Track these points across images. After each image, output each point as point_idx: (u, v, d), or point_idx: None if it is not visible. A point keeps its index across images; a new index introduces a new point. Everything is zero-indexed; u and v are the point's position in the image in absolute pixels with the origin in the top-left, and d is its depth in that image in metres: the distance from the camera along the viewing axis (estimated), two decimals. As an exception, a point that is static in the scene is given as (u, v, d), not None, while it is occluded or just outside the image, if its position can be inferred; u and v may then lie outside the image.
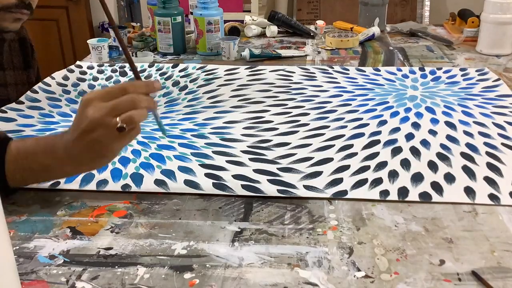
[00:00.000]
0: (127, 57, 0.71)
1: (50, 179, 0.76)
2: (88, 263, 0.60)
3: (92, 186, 0.77)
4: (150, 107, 0.67)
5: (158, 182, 0.77)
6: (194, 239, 0.64)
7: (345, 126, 0.96)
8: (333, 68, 1.30)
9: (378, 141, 0.89)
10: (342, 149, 0.87)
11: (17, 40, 1.12)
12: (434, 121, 0.97)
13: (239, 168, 0.81)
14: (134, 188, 0.76)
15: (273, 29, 1.65)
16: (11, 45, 1.12)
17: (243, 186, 0.76)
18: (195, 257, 0.61)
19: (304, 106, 1.06)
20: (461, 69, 1.27)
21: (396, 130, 0.94)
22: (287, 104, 1.07)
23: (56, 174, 0.73)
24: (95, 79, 1.24)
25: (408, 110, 1.03)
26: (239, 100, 1.10)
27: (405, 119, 0.98)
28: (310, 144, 0.89)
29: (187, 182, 0.77)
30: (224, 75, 1.26)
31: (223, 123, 0.99)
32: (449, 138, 0.90)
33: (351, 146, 0.88)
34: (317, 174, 0.79)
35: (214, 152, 0.87)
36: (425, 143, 0.88)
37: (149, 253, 0.62)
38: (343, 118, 0.99)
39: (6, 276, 0.48)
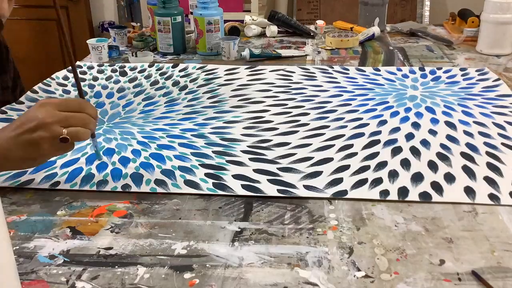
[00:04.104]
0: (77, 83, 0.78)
1: None
2: (88, 263, 0.60)
3: (92, 186, 0.77)
4: (93, 131, 0.74)
5: (158, 182, 0.77)
6: (194, 239, 0.64)
7: (345, 126, 0.96)
8: (333, 68, 1.30)
9: (378, 141, 0.89)
10: (342, 149, 0.87)
11: None
12: (434, 121, 0.97)
13: (239, 168, 0.81)
14: (134, 188, 0.76)
15: (273, 29, 1.65)
16: None
17: (243, 186, 0.76)
18: (195, 257, 0.61)
19: (304, 106, 1.06)
20: (461, 69, 1.27)
21: (396, 130, 0.94)
22: (287, 104, 1.07)
23: None
24: (95, 79, 1.24)
25: (408, 110, 1.03)
26: (239, 100, 1.10)
27: (405, 119, 0.98)
28: (310, 144, 0.89)
29: (187, 182, 0.77)
30: (224, 75, 1.26)
31: (223, 123, 0.99)
32: (449, 138, 0.90)
33: (351, 146, 0.88)
34: (317, 174, 0.79)
35: (214, 152, 0.87)
36: (425, 143, 0.88)
37: (149, 253, 0.62)
38: (343, 118, 0.99)
39: (6, 276, 0.48)
